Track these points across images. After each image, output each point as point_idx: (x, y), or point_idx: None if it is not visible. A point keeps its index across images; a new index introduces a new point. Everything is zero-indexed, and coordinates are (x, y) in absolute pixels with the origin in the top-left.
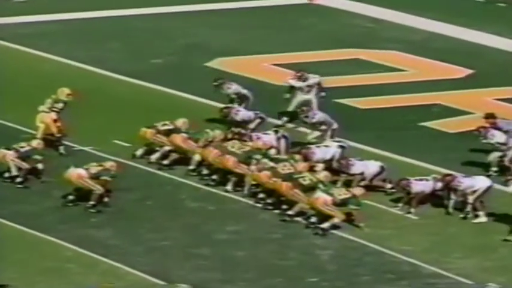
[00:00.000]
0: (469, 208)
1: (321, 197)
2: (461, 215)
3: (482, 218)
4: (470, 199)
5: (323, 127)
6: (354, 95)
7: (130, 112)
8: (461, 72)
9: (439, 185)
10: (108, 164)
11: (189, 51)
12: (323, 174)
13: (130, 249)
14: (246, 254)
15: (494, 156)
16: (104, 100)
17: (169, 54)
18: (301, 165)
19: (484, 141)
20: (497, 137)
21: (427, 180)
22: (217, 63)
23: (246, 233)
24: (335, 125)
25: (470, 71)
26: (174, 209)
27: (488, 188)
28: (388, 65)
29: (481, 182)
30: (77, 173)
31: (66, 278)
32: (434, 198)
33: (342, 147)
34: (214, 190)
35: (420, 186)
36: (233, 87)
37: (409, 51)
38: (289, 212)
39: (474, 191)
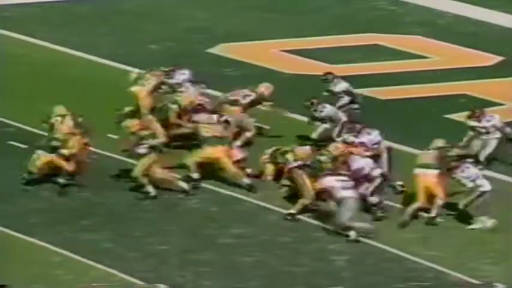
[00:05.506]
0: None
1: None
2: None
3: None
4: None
5: (331, 122)
6: (372, 84)
7: (123, 103)
8: (491, 59)
9: None
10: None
11: (189, 36)
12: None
13: (124, 254)
14: (253, 259)
15: None
16: (95, 89)
17: (166, 39)
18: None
19: None
20: None
21: None
22: (221, 49)
23: (252, 237)
24: (344, 119)
25: (500, 58)
26: (172, 210)
27: (483, 193)
28: (410, 52)
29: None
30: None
31: (53, 285)
32: None
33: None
34: (217, 189)
35: None
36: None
37: (433, 36)
38: (291, 211)
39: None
